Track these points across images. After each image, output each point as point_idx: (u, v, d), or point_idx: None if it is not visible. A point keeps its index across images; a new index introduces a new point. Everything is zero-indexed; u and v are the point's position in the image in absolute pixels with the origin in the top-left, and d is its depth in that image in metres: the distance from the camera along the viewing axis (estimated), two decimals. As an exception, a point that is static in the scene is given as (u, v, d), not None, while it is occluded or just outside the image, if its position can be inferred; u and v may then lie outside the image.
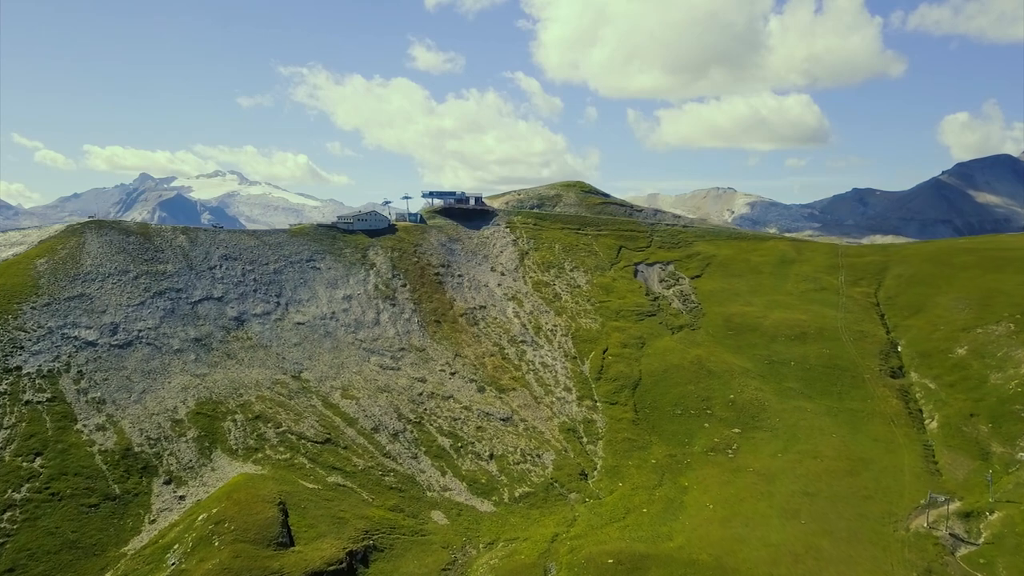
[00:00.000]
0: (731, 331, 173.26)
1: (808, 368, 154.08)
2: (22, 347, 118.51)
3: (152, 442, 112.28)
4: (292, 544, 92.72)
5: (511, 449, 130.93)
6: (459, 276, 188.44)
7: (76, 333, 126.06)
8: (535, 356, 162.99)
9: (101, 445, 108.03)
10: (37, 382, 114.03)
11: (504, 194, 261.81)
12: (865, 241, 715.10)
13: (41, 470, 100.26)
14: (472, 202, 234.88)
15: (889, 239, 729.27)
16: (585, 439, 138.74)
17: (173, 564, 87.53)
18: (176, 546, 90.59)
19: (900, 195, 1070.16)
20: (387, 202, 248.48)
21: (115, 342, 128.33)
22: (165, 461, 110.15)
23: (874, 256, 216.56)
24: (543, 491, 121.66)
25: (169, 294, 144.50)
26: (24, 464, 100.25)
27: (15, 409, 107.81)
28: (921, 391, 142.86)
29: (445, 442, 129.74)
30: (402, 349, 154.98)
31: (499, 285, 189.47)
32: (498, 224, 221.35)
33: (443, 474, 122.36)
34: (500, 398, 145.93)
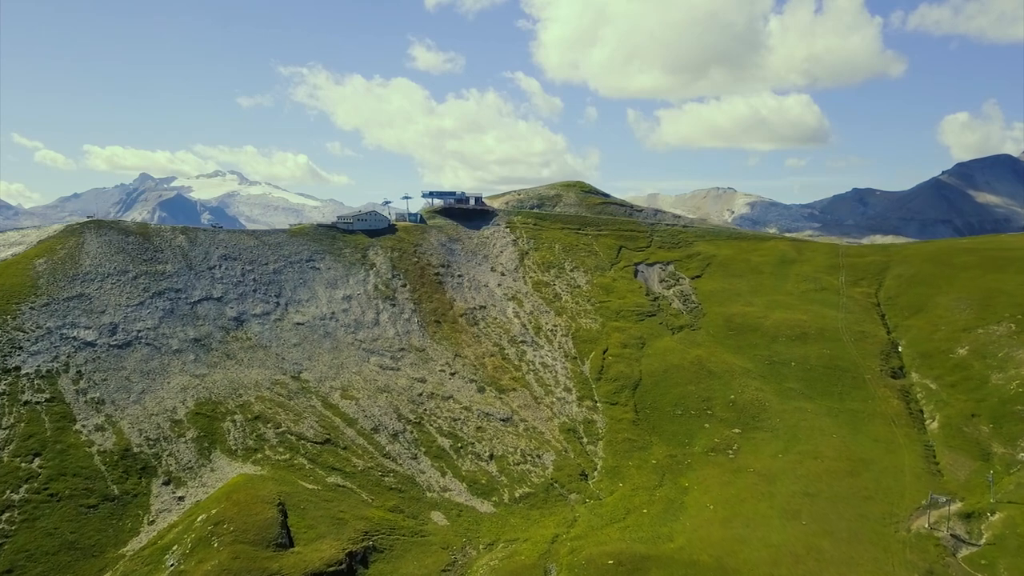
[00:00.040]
0: (732, 331, 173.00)
1: (809, 368, 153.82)
2: (21, 347, 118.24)
3: (151, 443, 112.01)
4: (291, 545, 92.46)
5: (511, 449, 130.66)
6: (459, 276, 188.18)
7: (75, 333, 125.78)
8: (535, 356, 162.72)
9: (100, 446, 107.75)
10: (36, 382, 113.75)
11: (504, 194, 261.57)
12: (865, 241, 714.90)
13: (40, 471, 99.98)
14: (472, 202, 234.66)
15: (889, 239, 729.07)
16: (585, 439, 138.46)
17: (172, 565, 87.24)
18: (175, 547, 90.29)
19: (900, 195, 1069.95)
20: (387, 202, 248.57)
21: (114, 342, 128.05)
22: (164, 462, 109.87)
23: (875, 256, 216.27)
24: (543, 492, 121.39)
25: (168, 294, 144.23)
26: (23, 465, 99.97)
27: (14, 409, 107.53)
28: (922, 391, 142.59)
29: (445, 442, 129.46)
30: (402, 349, 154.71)
31: (499, 285, 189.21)
32: (498, 224, 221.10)
33: (443, 475, 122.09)
34: (500, 398, 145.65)
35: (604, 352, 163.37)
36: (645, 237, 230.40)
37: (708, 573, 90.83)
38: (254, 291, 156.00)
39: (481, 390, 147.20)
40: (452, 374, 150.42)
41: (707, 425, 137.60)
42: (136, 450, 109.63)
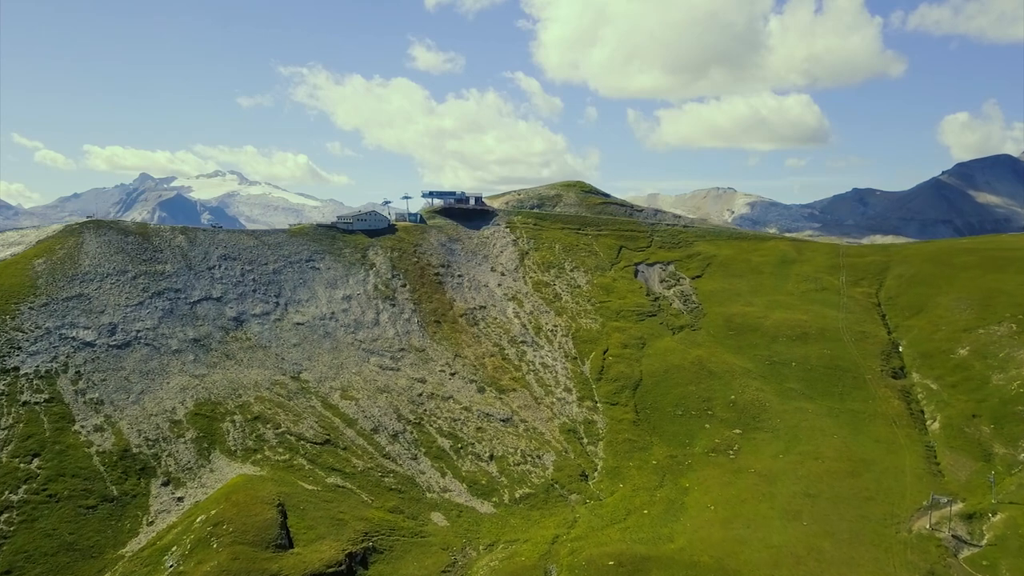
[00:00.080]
0: (732, 331, 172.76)
1: (809, 369, 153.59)
2: (19, 347, 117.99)
3: (150, 443, 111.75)
4: (291, 546, 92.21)
5: (511, 450, 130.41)
6: (459, 276, 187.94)
7: (74, 333, 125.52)
8: (535, 356, 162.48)
9: (99, 446, 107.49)
10: (35, 383, 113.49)
11: (504, 194, 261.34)
12: (865, 241, 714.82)
13: (38, 471, 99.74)
14: (472, 202, 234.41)
15: (889, 239, 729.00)
16: (585, 440, 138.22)
17: (171, 566, 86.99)
18: (174, 548, 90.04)
19: (900, 195, 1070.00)
20: (387, 202, 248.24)
21: (113, 342, 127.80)
22: (163, 462, 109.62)
23: (875, 256, 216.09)
24: (543, 492, 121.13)
25: (168, 294, 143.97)
26: (21, 465, 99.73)
27: (12, 410, 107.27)
28: (923, 392, 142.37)
29: (445, 443, 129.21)
30: (402, 349, 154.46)
31: (499, 285, 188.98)
32: (498, 224, 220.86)
33: (443, 475, 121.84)
34: (500, 399, 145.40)
35: (604, 352, 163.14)
36: (645, 237, 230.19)
37: (709, 574, 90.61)
38: (254, 291, 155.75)
39: (481, 390, 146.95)
40: (452, 374, 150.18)
41: (708, 425, 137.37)
42: (135, 451, 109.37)
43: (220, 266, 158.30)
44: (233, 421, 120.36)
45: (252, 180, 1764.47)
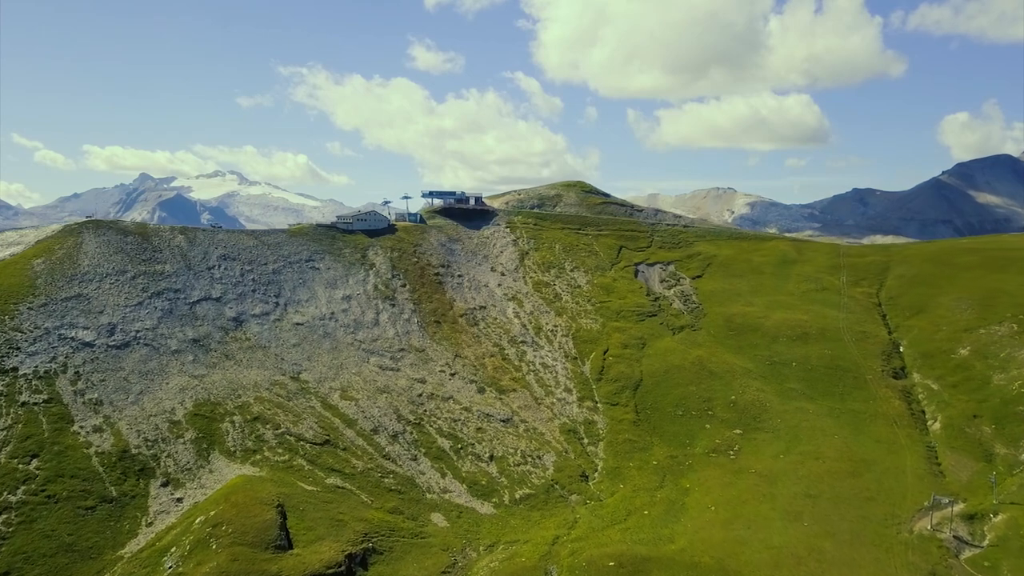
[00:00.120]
0: (732, 331, 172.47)
1: (810, 369, 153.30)
2: (18, 348, 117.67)
3: (149, 444, 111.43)
4: (290, 547, 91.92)
5: (511, 450, 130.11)
6: (459, 276, 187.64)
7: (73, 334, 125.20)
8: (535, 357, 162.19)
9: (98, 447, 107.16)
10: (33, 383, 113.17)
11: (504, 194, 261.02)
12: (865, 241, 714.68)
13: (37, 472, 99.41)
14: (472, 202, 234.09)
15: (889, 239, 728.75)
16: (586, 440, 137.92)
17: (170, 567, 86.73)
18: (173, 549, 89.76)
19: (900, 195, 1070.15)
20: (387, 202, 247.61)
21: (112, 343, 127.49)
22: (163, 463, 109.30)
23: (875, 256, 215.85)
24: (544, 493, 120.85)
25: (167, 294, 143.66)
26: (20, 466, 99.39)
27: (11, 410, 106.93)
28: (924, 392, 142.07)
29: (445, 443, 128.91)
30: (402, 350, 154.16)
31: (499, 285, 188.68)
32: (498, 224, 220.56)
33: (443, 476, 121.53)
34: (500, 399, 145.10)
35: (604, 352, 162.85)
36: (645, 237, 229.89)
37: (709, 575, 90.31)
38: (253, 291, 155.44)
39: (481, 391, 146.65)
40: (452, 375, 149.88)
41: (708, 426, 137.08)
42: (134, 451, 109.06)
43: (220, 266, 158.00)
44: (232, 422, 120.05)
45: (252, 180, 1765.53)
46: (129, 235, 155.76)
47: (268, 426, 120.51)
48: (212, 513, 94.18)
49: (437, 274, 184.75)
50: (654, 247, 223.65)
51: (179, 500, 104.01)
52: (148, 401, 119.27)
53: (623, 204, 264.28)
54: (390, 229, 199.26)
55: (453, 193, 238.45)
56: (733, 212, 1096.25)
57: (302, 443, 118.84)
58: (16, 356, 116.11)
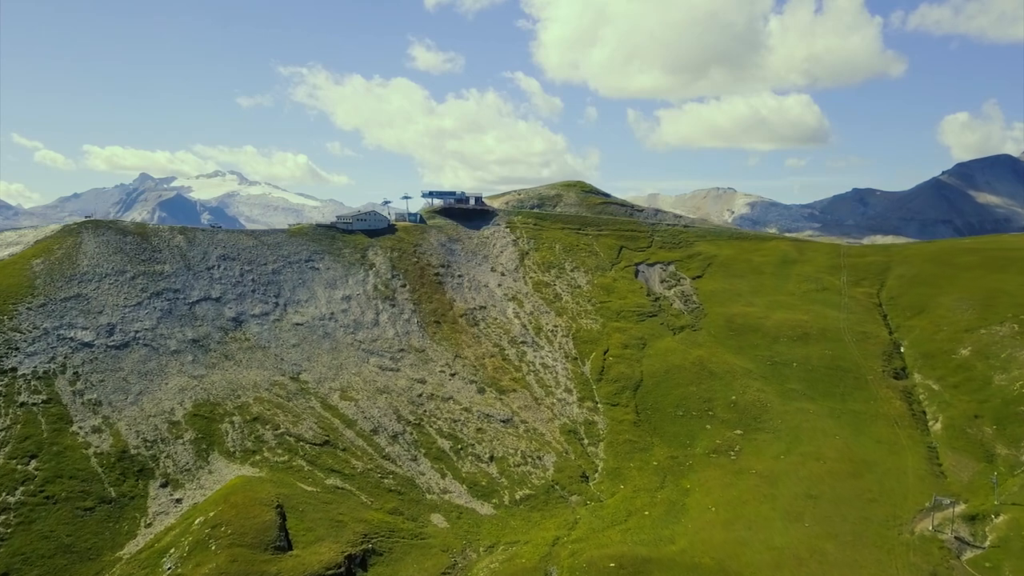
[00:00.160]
0: (733, 332, 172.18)
1: (810, 369, 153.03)
2: (17, 348, 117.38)
3: (148, 444, 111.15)
4: (290, 548, 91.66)
5: (511, 451, 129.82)
6: (459, 276, 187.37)
7: (72, 334, 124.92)
8: (535, 357, 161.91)
9: (97, 447, 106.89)
10: (32, 383, 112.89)
11: (504, 194, 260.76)
12: (865, 241, 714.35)
13: (36, 473, 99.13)
14: (472, 202, 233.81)
15: (889, 239, 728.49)
16: (586, 441, 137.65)
17: (169, 568, 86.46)
18: (172, 550, 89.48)
19: (900, 195, 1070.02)
20: (387, 202, 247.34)
21: (111, 343, 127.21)
22: (162, 464, 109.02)
23: (876, 256, 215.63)
24: (544, 493, 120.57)
25: (166, 295, 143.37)
26: (19, 467, 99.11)
27: (10, 411, 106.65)
28: (924, 392, 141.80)
29: (445, 444, 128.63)
30: (401, 350, 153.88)
31: (499, 285, 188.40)
32: (498, 224, 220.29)
33: (443, 476, 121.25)
34: (500, 399, 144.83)
35: (605, 353, 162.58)
36: (646, 237, 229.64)
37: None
38: (253, 291, 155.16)
39: (481, 391, 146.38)
40: (452, 375, 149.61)
41: (708, 426, 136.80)
42: (133, 452, 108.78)
43: (219, 266, 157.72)
44: (232, 422, 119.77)
45: (252, 180, 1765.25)
46: (128, 235, 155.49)
47: (268, 427, 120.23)
48: (211, 514, 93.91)
49: (437, 274, 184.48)
50: (654, 247, 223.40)
51: (178, 501, 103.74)
52: (147, 401, 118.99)
53: (623, 204, 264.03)
54: (390, 229, 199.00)
55: (453, 193, 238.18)
56: (733, 212, 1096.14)
57: (302, 444, 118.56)
58: (15, 356, 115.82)
